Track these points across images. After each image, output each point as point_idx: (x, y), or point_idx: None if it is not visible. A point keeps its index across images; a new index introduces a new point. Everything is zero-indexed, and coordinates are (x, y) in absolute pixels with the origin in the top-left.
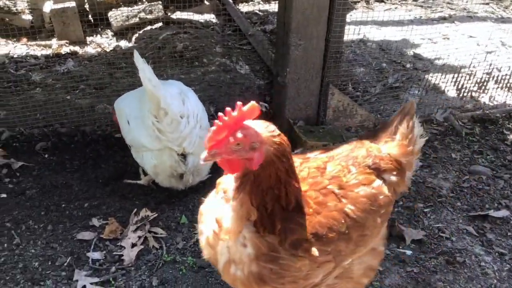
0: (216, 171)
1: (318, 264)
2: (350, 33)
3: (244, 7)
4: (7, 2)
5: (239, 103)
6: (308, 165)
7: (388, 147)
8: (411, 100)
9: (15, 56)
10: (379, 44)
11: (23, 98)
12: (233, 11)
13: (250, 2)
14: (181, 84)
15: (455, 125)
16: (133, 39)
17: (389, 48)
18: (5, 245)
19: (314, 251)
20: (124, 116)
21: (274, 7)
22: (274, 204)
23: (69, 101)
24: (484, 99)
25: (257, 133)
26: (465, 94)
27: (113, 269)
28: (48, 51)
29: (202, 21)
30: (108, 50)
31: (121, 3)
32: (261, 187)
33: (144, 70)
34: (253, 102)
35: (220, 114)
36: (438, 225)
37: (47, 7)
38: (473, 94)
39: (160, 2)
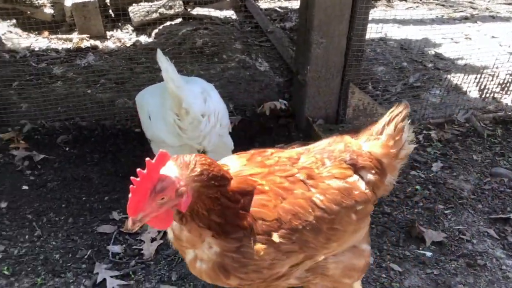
0: None
1: (283, 253)
2: (371, 32)
3: (263, 4)
4: None
5: (147, 159)
6: (279, 155)
7: (371, 145)
8: (404, 102)
9: (36, 49)
10: (400, 43)
11: (44, 91)
12: (252, 7)
13: None
14: (203, 82)
15: (477, 126)
16: (153, 34)
17: (410, 47)
18: (27, 236)
19: (275, 236)
20: (146, 110)
21: (294, 4)
22: (220, 217)
23: (89, 95)
24: (507, 100)
25: (177, 179)
26: (487, 95)
27: (133, 263)
28: (69, 45)
29: (221, 17)
30: (128, 45)
31: None
32: (200, 212)
33: (168, 70)
34: (160, 150)
35: (132, 177)
36: (458, 227)
37: (69, 1)
38: (496, 95)
39: None
